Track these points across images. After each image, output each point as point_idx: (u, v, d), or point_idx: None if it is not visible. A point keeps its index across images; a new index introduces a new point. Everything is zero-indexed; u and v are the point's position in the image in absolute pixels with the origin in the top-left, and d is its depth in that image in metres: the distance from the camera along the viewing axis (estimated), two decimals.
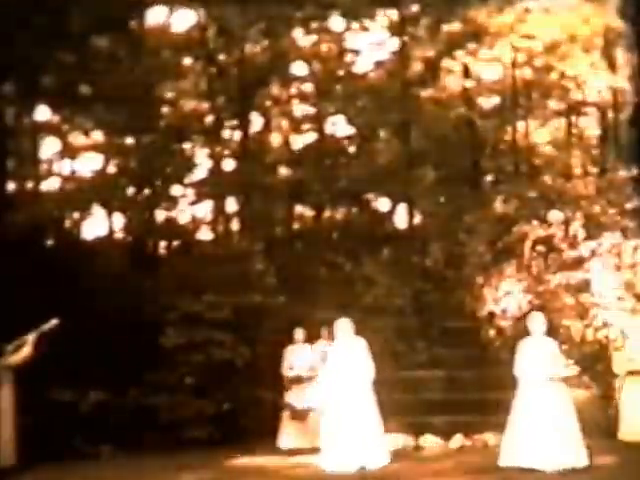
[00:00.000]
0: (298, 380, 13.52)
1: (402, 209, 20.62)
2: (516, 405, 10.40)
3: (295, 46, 20.92)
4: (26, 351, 11.55)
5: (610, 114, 19.61)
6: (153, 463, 12.42)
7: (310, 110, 21.54)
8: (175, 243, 20.15)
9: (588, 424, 12.70)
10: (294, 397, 13.50)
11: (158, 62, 19.97)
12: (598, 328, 14.01)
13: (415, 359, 15.80)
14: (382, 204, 21.28)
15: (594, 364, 13.78)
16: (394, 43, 20.78)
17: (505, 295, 15.14)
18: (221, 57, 20.70)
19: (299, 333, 13.91)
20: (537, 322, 10.68)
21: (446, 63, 19.95)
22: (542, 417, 10.03)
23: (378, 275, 16.90)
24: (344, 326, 11.47)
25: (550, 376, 10.08)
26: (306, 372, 13.48)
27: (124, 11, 18.99)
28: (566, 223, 15.24)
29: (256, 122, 21.20)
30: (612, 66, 18.86)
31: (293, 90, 21.24)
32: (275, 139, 21.58)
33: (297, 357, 13.74)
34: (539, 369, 10.12)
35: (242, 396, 14.69)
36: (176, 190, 20.91)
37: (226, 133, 21.03)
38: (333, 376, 11.03)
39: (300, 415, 13.31)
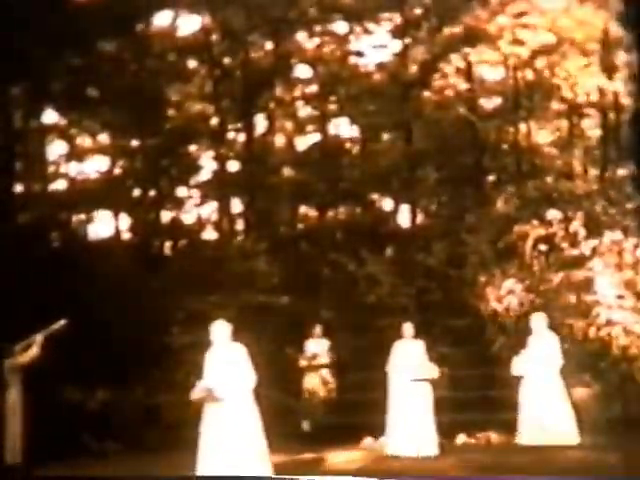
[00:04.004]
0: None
1: (405, 209, 20.73)
2: None
3: (299, 49, 21.07)
4: (34, 351, 11.64)
5: (611, 115, 19.69)
6: (159, 461, 12.51)
7: (314, 112, 21.68)
8: (180, 243, 20.30)
9: (588, 422, 12.92)
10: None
11: (164, 65, 20.16)
12: (600, 326, 14.10)
13: None
14: (385, 204, 21.40)
15: (596, 362, 13.85)
16: (397, 45, 20.93)
17: (507, 293, 15.24)
18: (226, 60, 20.85)
19: (408, 328, 12.78)
20: None
21: (447, 65, 20.07)
22: None
23: (381, 274, 16.94)
24: (221, 330, 10.04)
25: None
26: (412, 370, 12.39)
27: (130, 15, 19.17)
28: (567, 222, 15.36)
29: (260, 124, 21.33)
30: (611, 69, 18.94)
31: (297, 92, 21.39)
32: (279, 140, 21.71)
33: (404, 353, 12.63)
34: None
35: None
36: (181, 191, 21.10)
37: (231, 135, 21.19)
38: (210, 384, 9.81)
39: None
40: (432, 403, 12.50)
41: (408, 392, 12.48)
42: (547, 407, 12.40)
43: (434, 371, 12.52)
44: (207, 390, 9.76)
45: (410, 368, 12.44)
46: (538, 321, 12.92)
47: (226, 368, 9.78)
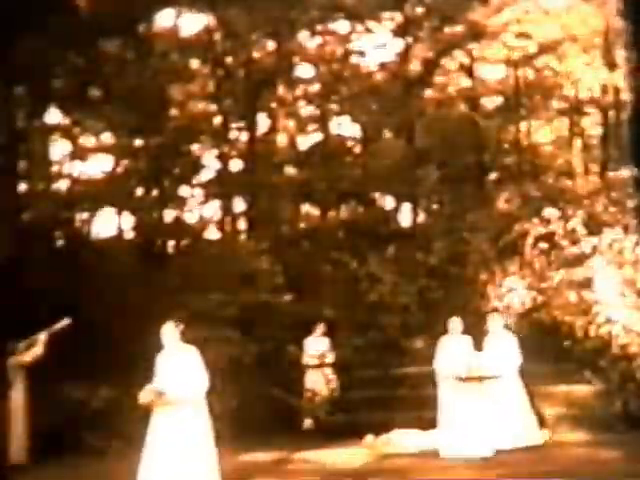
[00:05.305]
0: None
1: (406, 208, 20.83)
2: None
3: (300, 48, 21.16)
4: (37, 350, 11.72)
5: (611, 113, 19.76)
6: None
7: (315, 111, 21.77)
8: (183, 242, 20.38)
9: (589, 419, 12.97)
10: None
11: (166, 65, 20.23)
12: (600, 324, 14.14)
13: (420, 356, 15.95)
14: (387, 203, 21.50)
15: (596, 360, 13.89)
16: (398, 44, 21.01)
17: (508, 292, 15.30)
18: (228, 59, 20.95)
19: (455, 322, 12.00)
20: None
21: (449, 64, 20.16)
22: None
23: (383, 273, 17.00)
24: (171, 332, 9.45)
25: None
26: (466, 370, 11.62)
27: (133, 15, 19.24)
28: (567, 220, 15.42)
29: (263, 123, 21.44)
30: (611, 65, 19.00)
31: (299, 91, 21.48)
32: (281, 140, 21.79)
33: (451, 350, 11.85)
34: None
35: (250, 393, 14.81)
36: (184, 190, 21.21)
37: (233, 134, 21.28)
38: (159, 387, 9.22)
39: None
40: (486, 399, 11.74)
41: (459, 390, 11.70)
42: (506, 408, 12.22)
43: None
44: (156, 393, 9.24)
45: (459, 364, 11.64)
46: (495, 322, 12.80)
47: (177, 372, 9.24)
